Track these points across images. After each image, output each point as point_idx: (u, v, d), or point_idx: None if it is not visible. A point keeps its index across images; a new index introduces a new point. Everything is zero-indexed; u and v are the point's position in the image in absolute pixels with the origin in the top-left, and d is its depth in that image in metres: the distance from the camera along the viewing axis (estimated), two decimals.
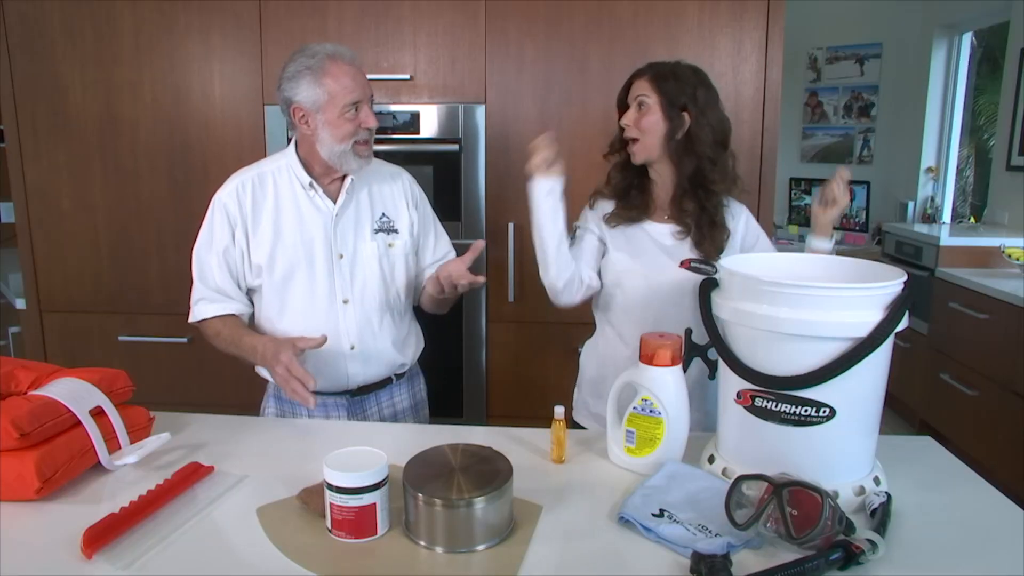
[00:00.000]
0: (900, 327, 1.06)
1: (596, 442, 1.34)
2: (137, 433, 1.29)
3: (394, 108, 2.33)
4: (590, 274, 1.59)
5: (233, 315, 1.58)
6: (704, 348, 1.30)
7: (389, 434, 1.48)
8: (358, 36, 2.30)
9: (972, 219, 4.20)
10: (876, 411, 1.14)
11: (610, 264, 1.60)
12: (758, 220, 1.65)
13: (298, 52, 1.49)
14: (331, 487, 1.00)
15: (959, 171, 4.62)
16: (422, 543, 1.00)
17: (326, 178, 1.57)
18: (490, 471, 1.05)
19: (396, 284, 1.64)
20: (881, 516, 1.04)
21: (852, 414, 1.10)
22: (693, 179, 1.51)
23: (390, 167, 1.69)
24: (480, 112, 2.33)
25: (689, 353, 1.27)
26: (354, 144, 1.50)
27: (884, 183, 4.72)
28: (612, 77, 2.17)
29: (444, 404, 1.93)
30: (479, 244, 1.50)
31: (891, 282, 1.08)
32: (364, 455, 1.04)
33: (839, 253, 1.48)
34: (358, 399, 1.64)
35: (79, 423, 1.18)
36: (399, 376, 1.69)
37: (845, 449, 1.13)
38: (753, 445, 1.16)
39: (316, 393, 1.40)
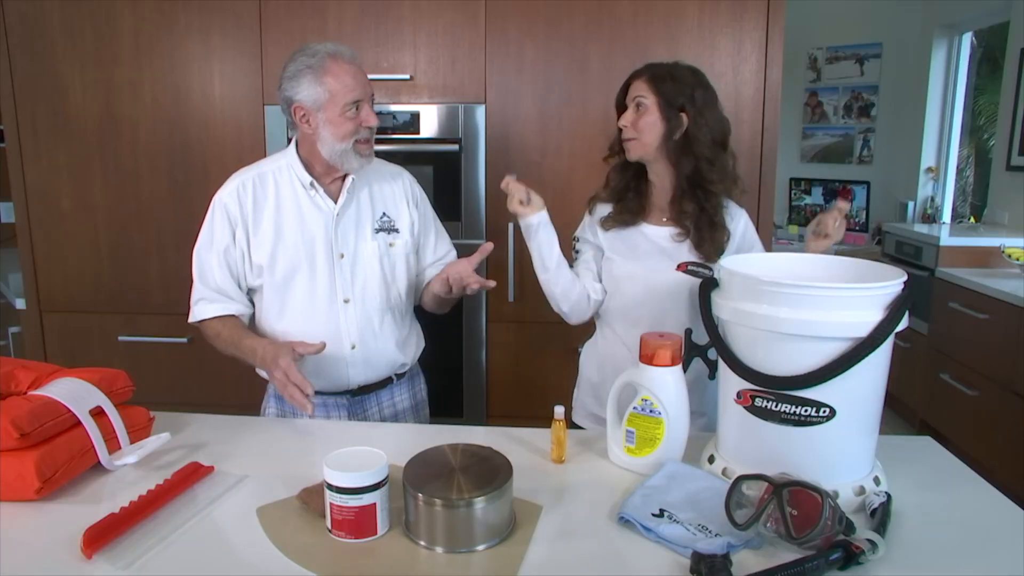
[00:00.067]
0: (900, 327, 1.06)
1: (596, 442, 1.34)
2: (137, 433, 1.29)
3: (394, 108, 2.33)
4: (595, 287, 1.62)
5: (233, 316, 1.58)
6: (704, 348, 1.30)
7: (389, 434, 1.48)
8: (358, 36, 2.30)
9: (972, 219, 4.20)
10: (876, 411, 1.14)
11: (608, 267, 1.61)
12: (758, 220, 1.66)
13: (298, 51, 1.49)
14: (331, 487, 1.00)
15: (959, 171, 4.62)
16: (422, 543, 1.00)
17: (327, 178, 1.57)
18: (490, 471, 1.05)
19: (397, 284, 1.64)
20: (881, 516, 1.04)
21: (852, 414, 1.10)
22: (691, 179, 1.51)
23: (390, 167, 1.69)
24: (480, 112, 2.33)
25: (689, 353, 1.27)
26: (355, 143, 1.50)
27: (884, 183, 4.72)
28: (612, 77, 2.17)
29: (444, 404, 1.93)
30: (487, 247, 1.51)
31: (891, 282, 1.08)
32: (364, 455, 1.04)
33: (839, 253, 1.48)
34: (359, 399, 1.64)
35: (79, 423, 1.18)
36: (399, 376, 1.69)
37: (845, 449, 1.13)
38: (753, 445, 1.16)
39: (316, 393, 1.41)
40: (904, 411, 3.74)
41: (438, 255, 1.72)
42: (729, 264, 1.21)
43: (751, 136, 2.27)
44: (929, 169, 4.51)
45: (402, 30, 2.31)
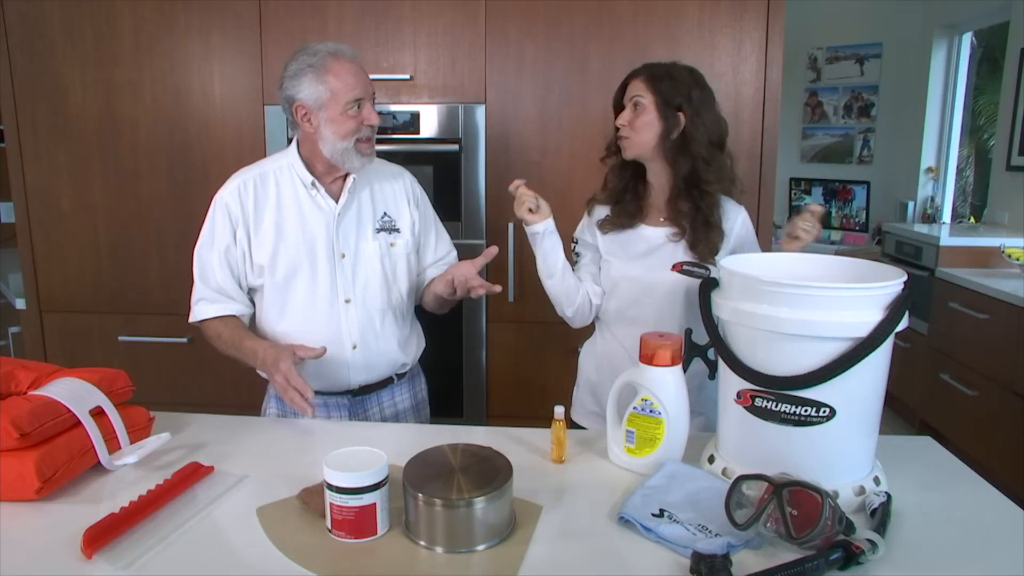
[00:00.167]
0: (900, 327, 1.06)
1: (596, 442, 1.34)
2: (137, 433, 1.29)
3: (394, 108, 2.33)
4: (595, 290, 1.63)
5: (234, 316, 1.58)
6: (704, 348, 1.30)
7: (389, 434, 1.48)
8: (358, 36, 2.30)
9: (972, 219, 4.20)
10: (876, 411, 1.14)
11: (605, 269, 1.62)
12: (758, 220, 1.66)
13: (299, 51, 1.50)
14: (331, 487, 1.00)
15: (959, 171, 4.62)
16: (422, 543, 1.00)
17: (328, 177, 1.57)
18: (490, 471, 1.05)
19: (398, 284, 1.64)
20: (881, 516, 1.04)
21: (852, 414, 1.10)
22: (688, 179, 1.51)
23: (391, 167, 1.69)
24: (480, 112, 2.33)
25: (689, 353, 1.27)
26: (356, 142, 1.50)
27: (884, 183, 4.72)
28: (612, 77, 2.16)
29: (444, 404, 1.93)
30: (491, 251, 1.52)
31: (891, 282, 1.08)
32: (364, 455, 1.04)
33: (839, 253, 1.48)
34: (359, 399, 1.64)
35: (79, 423, 1.18)
36: (400, 376, 1.69)
37: (845, 449, 1.13)
38: (753, 445, 1.16)
39: (317, 393, 1.41)
40: (904, 411, 3.74)
41: (439, 255, 1.72)
42: (729, 264, 1.21)
43: (751, 136, 2.27)
44: (929, 169, 4.51)
45: (402, 30, 2.31)
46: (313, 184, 1.55)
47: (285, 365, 1.39)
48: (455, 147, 2.34)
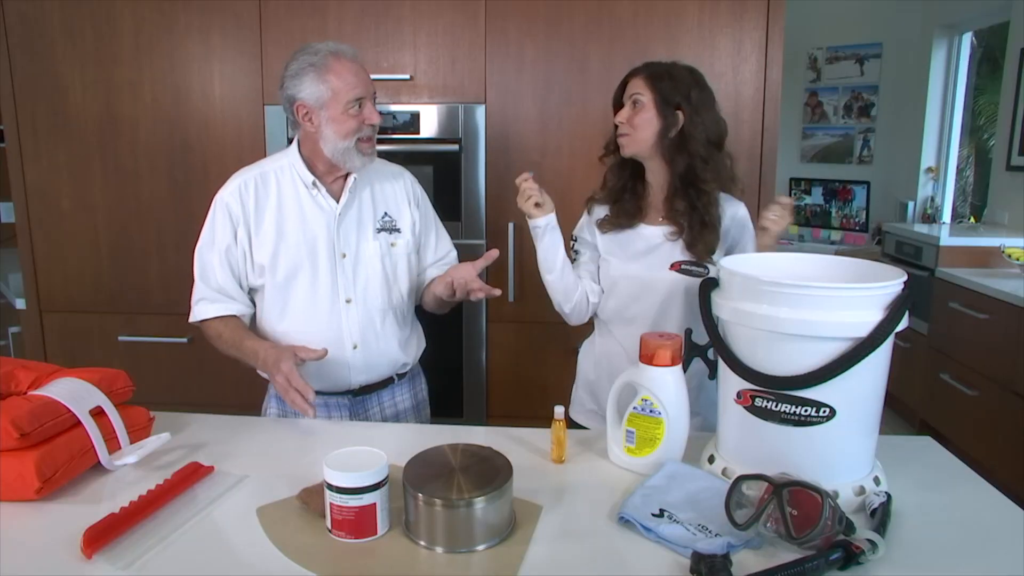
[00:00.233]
0: (900, 327, 1.06)
1: (596, 442, 1.34)
2: (137, 433, 1.29)
3: (394, 108, 2.33)
4: (593, 288, 1.64)
5: (234, 316, 1.58)
6: (704, 348, 1.30)
7: (389, 434, 1.48)
8: (358, 36, 2.30)
9: (972, 219, 4.20)
10: (876, 411, 1.14)
11: (604, 268, 1.62)
12: (757, 220, 1.64)
13: (300, 50, 1.50)
14: (331, 487, 1.00)
15: (959, 171, 4.62)
16: (422, 543, 1.00)
17: (329, 177, 1.57)
18: (490, 471, 1.05)
19: (399, 284, 1.64)
20: (881, 516, 1.04)
21: (852, 414, 1.10)
22: (685, 178, 1.52)
23: (392, 166, 1.69)
24: (480, 112, 2.33)
25: (689, 353, 1.27)
26: (357, 141, 1.50)
27: (884, 183, 4.72)
28: (612, 77, 2.16)
29: (444, 404, 1.93)
30: (492, 253, 1.52)
31: (891, 282, 1.08)
32: (364, 455, 1.04)
33: (839, 253, 1.48)
34: (360, 399, 1.64)
35: (79, 423, 1.18)
36: (401, 376, 1.69)
37: (845, 449, 1.13)
38: (753, 445, 1.16)
39: (318, 393, 1.41)
40: (904, 411, 3.74)
41: (439, 255, 1.72)
42: (729, 264, 1.21)
43: (751, 136, 2.27)
44: (929, 169, 4.51)
45: (402, 30, 2.31)
46: (314, 184, 1.55)
47: (286, 366, 1.39)
48: (455, 147, 2.34)
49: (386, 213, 1.63)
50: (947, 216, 4.50)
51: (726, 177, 1.54)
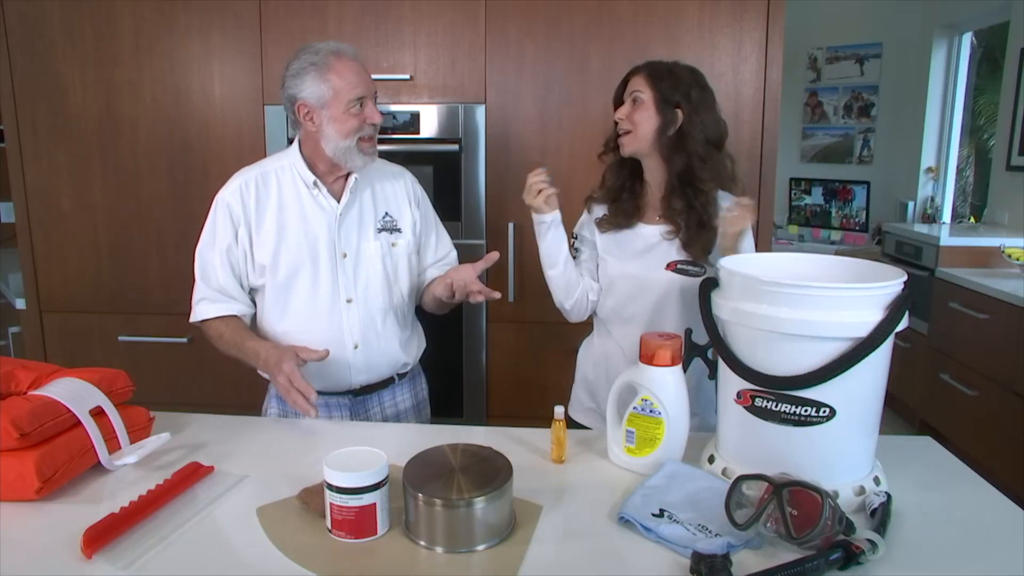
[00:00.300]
0: (900, 327, 1.06)
1: (596, 442, 1.34)
2: (137, 433, 1.29)
3: (394, 108, 2.33)
4: (593, 286, 1.65)
5: (235, 316, 1.58)
6: (704, 348, 1.30)
7: (390, 434, 1.48)
8: (358, 36, 2.30)
9: (972, 219, 4.20)
10: (876, 411, 1.14)
11: (602, 267, 1.63)
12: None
13: (301, 50, 1.50)
14: (331, 487, 1.00)
15: (959, 171, 4.62)
16: (422, 543, 1.00)
17: (330, 177, 1.57)
18: (490, 471, 1.05)
19: (399, 284, 1.64)
20: (881, 516, 1.04)
21: (852, 414, 1.10)
22: (682, 177, 1.52)
23: (392, 167, 1.69)
24: (480, 112, 2.33)
25: (689, 353, 1.27)
26: (358, 140, 1.50)
27: (884, 183, 4.72)
28: (612, 77, 2.16)
29: (444, 404, 1.93)
30: (493, 256, 1.52)
31: (891, 282, 1.08)
32: (364, 455, 1.04)
33: (839, 253, 1.48)
34: (361, 399, 1.64)
35: (79, 423, 1.18)
36: (401, 376, 1.69)
37: (845, 449, 1.13)
38: (753, 445, 1.16)
39: (318, 393, 1.41)
40: (904, 411, 3.74)
41: (439, 255, 1.72)
42: (729, 264, 1.21)
43: (751, 136, 2.27)
44: (929, 169, 4.51)
45: (402, 30, 2.31)
46: (315, 184, 1.55)
47: (288, 367, 1.39)
48: (455, 147, 2.34)
49: (387, 213, 1.63)
50: (947, 216, 4.50)
51: (725, 177, 1.54)
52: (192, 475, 1.18)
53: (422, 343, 1.76)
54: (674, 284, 1.53)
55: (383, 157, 1.67)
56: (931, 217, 4.43)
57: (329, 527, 1.02)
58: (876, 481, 1.14)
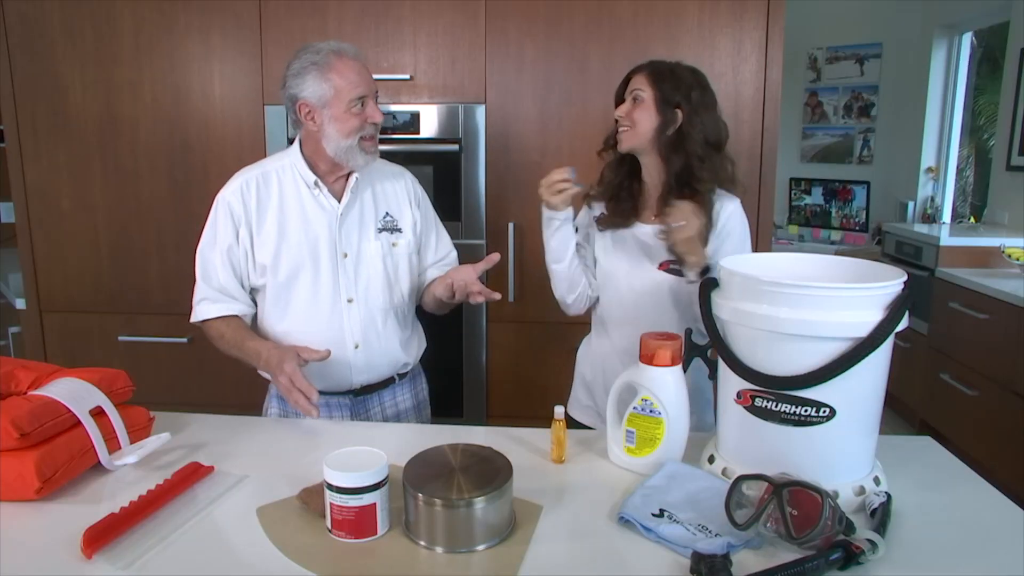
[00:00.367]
0: (900, 327, 1.06)
1: (596, 442, 1.34)
2: (137, 433, 1.29)
3: (394, 108, 2.33)
4: (593, 282, 1.66)
5: (236, 316, 1.58)
6: (704, 348, 1.30)
7: (390, 434, 1.48)
8: (358, 36, 2.30)
9: (972, 219, 4.20)
10: (876, 411, 1.14)
11: (599, 265, 1.64)
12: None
13: (302, 50, 1.50)
14: (331, 487, 1.00)
15: (959, 171, 4.62)
16: (422, 543, 1.00)
17: (331, 176, 1.57)
18: (490, 471, 1.05)
19: (400, 284, 1.64)
20: (881, 516, 1.04)
21: (852, 414, 1.10)
22: (680, 176, 1.52)
23: (392, 167, 1.69)
24: (480, 112, 2.33)
25: (689, 353, 1.27)
26: (360, 139, 1.51)
27: (884, 183, 4.72)
28: (612, 77, 2.16)
29: (444, 404, 1.93)
30: (493, 257, 1.52)
31: (891, 282, 1.08)
32: (364, 455, 1.04)
33: (839, 253, 1.47)
34: (361, 399, 1.64)
35: (79, 423, 1.18)
36: (402, 376, 1.69)
37: (845, 449, 1.13)
38: (753, 445, 1.16)
39: (319, 392, 1.41)
40: (904, 411, 3.74)
41: (439, 255, 1.72)
42: (729, 264, 1.21)
43: (751, 136, 2.27)
44: (929, 169, 4.51)
45: (402, 30, 2.31)
46: (316, 184, 1.55)
47: (290, 367, 1.39)
48: (455, 147, 2.34)
49: (387, 213, 1.63)
50: (947, 216, 4.50)
51: (724, 178, 1.54)
52: (192, 475, 1.18)
53: (422, 343, 1.76)
54: (664, 284, 1.54)
55: (383, 157, 1.68)
56: (931, 217, 4.43)
57: (329, 527, 1.02)
58: (876, 481, 1.14)
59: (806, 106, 5.05)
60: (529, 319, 2.40)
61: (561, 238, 1.57)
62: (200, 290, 1.58)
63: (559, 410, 1.26)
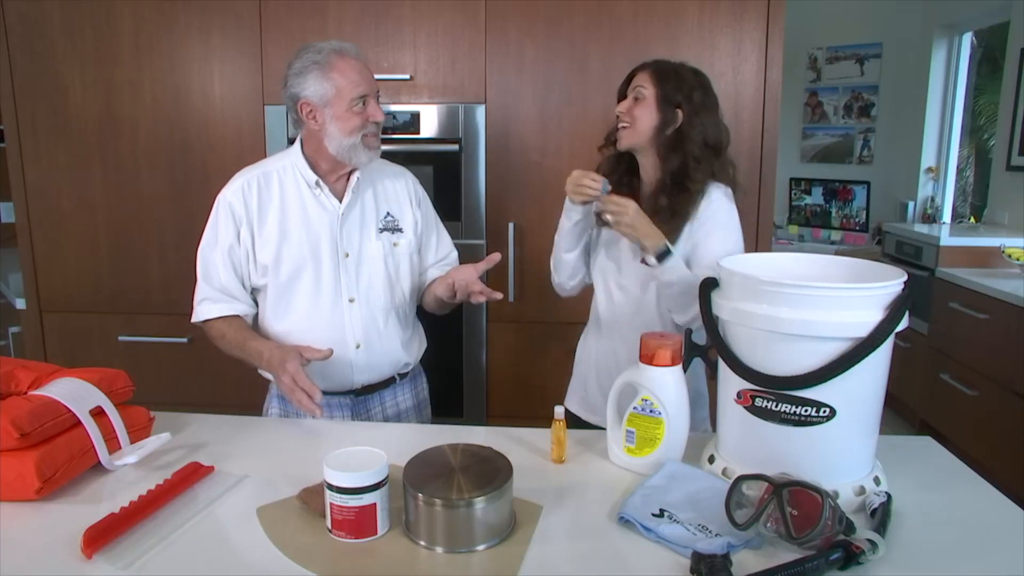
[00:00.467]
0: (900, 327, 1.06)
1: (596, 442, 1.34)
2: (137, 433, 1.29)
3: (394, 108, 2.33)
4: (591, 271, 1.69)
5: (237, 316, 1.58)
6: (704, 348, 1.30)
7: (390, 434, 1.48)
8: (358, 36, 2.30)
9: (972, 219, 4.20)
10: (876, 411, 1.14)
11: (592, 262, 1.67)
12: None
13: (303, 49, 1.50)
14: (331, 487, 1.00)
15: (959, 171, 4.62)
16: (422, 543, 1.00)
17: (332, 176, 1.57)
18: (490, 471, 1.05)
19: (401, 284, 1.64)
20: (881, 516, 1.04)
21: (852, 414, 1.10)
22: (676, 176, 1.52)
23: (393, 167, 1.69)
24: (480, 112, 2.33)
25: (689, 353, 1.27)
26: (363, 137, 1.51)
27: (884, 183, 4.72)
28: (612, 77, 2.17)
29: (444, 404, 1.93)
30: (494, 257, 1.53)
31: (891, 282, 1.08)
32: (364, 455, 1.04)
33: (839, 253, 1.48)
34: (362, 399, 1.64)
35: (79, 423, 1.18)
36: (403, 376, 1.69)
37: (845, 449, 1.13)
38: (753, 445, 1.16)
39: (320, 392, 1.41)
40: (904, 411, 3.74)
41: (440, 255, 1.73)
42: (729, 264, 1.21)
43: (751, 136, 2.27)
44: (929, 169, 4.51)
45: (402, 30, 2.31)
46: (317, 183, 1.55)
47: (292, 366, 1.39)
48: (455, 147, 2.34)
49: (388, 213, 1.63)
50: (947, 216, 4.50)
51: (725, 181, 1.54)
52: (192, 475, 1.18)
53: (423, 343, 1.76)
54: (646, 280, 1.55)
55: (383, 157, 1.68)
56: (931, 217, 4.43)
57: (329, 527, 1.02)
58: (876, 481, 1.14)
59: (806, 106, 5.05)
60: (529, 319, 2.40)
61: (576, 230, 1.60)
62: (201, 290, 1.58)
63: (559, 410, 1.26)
